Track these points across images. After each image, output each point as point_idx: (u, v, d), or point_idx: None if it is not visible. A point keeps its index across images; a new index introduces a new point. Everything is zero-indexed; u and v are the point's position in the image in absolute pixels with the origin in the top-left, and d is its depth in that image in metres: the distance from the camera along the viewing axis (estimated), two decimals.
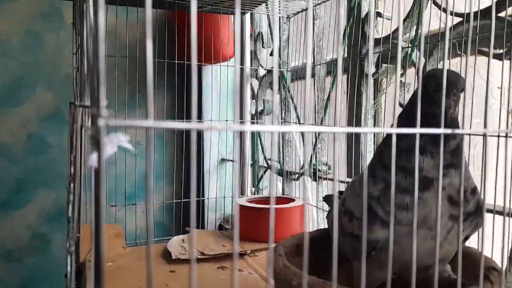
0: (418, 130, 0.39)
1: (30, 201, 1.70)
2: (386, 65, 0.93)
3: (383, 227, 0.54)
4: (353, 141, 1.03)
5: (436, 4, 0.78)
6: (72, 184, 0.61)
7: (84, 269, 0.91)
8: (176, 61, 1.19)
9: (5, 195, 1.65)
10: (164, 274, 0.91)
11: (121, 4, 1.19)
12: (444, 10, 0.77)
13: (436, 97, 0.51)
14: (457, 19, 0.77)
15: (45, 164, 1.72)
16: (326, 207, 1.05)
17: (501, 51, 0.68)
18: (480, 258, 0.45)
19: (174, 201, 1.31)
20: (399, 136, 0.40)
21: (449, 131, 0.42)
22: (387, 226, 0.52)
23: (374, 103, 0.97)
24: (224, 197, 1.33)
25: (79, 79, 0.88)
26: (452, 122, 0.53)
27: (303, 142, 1.27)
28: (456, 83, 0.52)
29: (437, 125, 0.43)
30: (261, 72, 1.51)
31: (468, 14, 0.73)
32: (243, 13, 1.33)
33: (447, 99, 0.51)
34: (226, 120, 1.32)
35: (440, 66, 0.81)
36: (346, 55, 1.05)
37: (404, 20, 0.87)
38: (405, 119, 0.56)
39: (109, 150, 0.27)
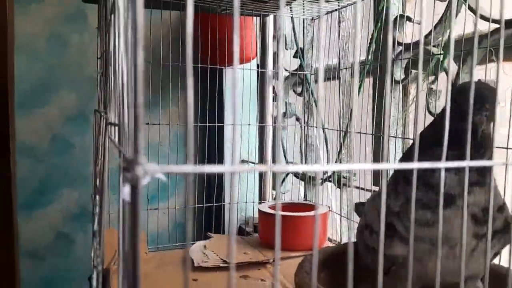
0: (443, 164, 0.36)
1: (53, 201, 1.72)
2: (416, 71, 0.90)
3: (403, 243, 0.52)
4: (381, 147, 1.01)
5: (471, 9, 0.75)
6: (97, 197, 0.61)
7: (108, 275, 0.91)
8: (200, 65, 1.18)
9: (29, 195, 1.67)
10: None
11: (146, 7, 1.19)
12: (482, 16, 0.73)
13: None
14: (494, 25, 0.73)
15: (68, 164, 1.74)
16: (350, 215, 1.02)
17: None
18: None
19: (196, 205, 1.31)
20: (422, 149, 0.38)
21: (473, 163, 0.39)
22: (407, 242, 0.51)
23: (403, 111, 0.95)
24: (246, 202, 1.32)
25: (103, 85, 0.88)
26: (484, 139, 0.51)
27: (327, 147, 1.24)
28: (489, 97, 0.50)
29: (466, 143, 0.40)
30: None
31: (505, 21, 0.69)
32: (266, 15, 1.31)
33: (479, 114, 0.49)
34: (248, 124, 1.30)
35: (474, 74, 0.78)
36: (373, 59, 1.02)
37: (436, 25, 0.84)
38: (432, 136, 0.53)
39: (143, 177, 0.26)
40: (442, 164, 0.36)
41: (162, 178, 0.28)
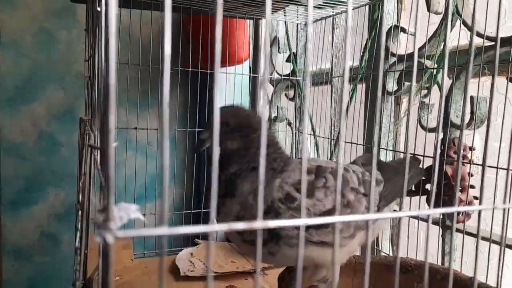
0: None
1: (39, 200, 1.69)
2: (409, 83, 0.89)
3: None
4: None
5: (466, 25, 0.73)
6: (80, 212, 0.59)
7: (91, 285, 0.89)
8: (190, 69, 1.16)
9: (14, 194, 1.64)
10: None
11: (134, 8, 1.16)
12: (475, 32, 0.72)
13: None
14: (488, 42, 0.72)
15: (55, 163, 1.70)
16: None
17: None
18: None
19: (184, 212, 1.29)
20: None
21: (462, 208, 0.39)
22: None
23: (395, 123, 0.94)
24: None
25: (90, 90, 0.86)
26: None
27: (317, 153, 1.23)
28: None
29: None
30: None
31: (500, 39, 0.68)
32: (259, 19, 1.29)
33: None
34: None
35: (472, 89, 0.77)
36: (366, 67, 1.01)
37: (431, 38, 0.83)
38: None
39: (118, 223, 0.24)
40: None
41: (140, 218, 0.26)
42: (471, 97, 0.73)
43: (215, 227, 0.20)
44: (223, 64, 1.34)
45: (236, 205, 0.55)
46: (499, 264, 0.49)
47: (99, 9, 0.41)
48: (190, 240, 1.26)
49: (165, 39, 0.18)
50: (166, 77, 0.18)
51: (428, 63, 0.83)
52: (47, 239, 1.71)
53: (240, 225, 0.20)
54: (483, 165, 0.34)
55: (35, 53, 1.65)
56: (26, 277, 1.68)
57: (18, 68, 1.62)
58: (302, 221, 0.22)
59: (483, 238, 0.72)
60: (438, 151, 0.40)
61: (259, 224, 0.21)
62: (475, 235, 0.72)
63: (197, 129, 1.22)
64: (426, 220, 0.82)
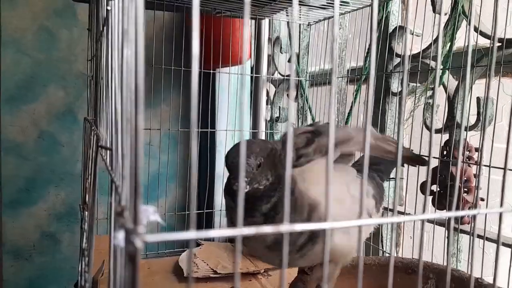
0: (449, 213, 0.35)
1: (39, 200, 1.68)
2: (414, 84, 0.89)
3: None
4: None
5: (476, 29, 0.73)
6: (86, 213, 0.58)
7: (96, 285, 0.89)
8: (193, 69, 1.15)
9: (14, 194, 1.63)
10: None
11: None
12: (481, 33, 0.72)
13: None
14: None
15: (55, 162, 1.70)
16: None
17: None
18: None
19: (186, 212, 1.28)
20: None
21: (461, 213, 0.38)
22: None
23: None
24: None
25: (93, 89, 0.85)
26: None
27: None
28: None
29: None
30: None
31: (507, 40, 0.68)
32: (261, 19, 1.29)
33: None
34: (241, 130, 1.28)
35: (477, 90, 0.77)
36: (370, 68, 1.01)
37: (436, 39, 0.83)
38: None
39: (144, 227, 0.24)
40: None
41: (158, 220, 0.26)
42: (478, 98, 0.73)
43: (243, 231, 0.19)
44: (225, 63, 1.34)
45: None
46: (510, 264, 0.49)
47: (108, 8, 0.41)
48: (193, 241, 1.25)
49: (193, 40, 0.18)
50: (194, 77, 0.18)
51: (433, 64, 0.83)
52: (47, 239, 1.71)
53: (268, 229, 0.20)
54: (478, 163, 0.34)
55: (36, 52, 1.64)
56: (26, 277, 1.68)
57: (18, 67, 1.61)
58: (328, 225, 0.21)
59: (489, 240, 0.72)
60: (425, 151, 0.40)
61: (285, 227, 0.20)
62: (481, 237, 0.72)
63: (199, 130, 1.22)
64: (432, 222, 0.82)
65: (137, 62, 0.17)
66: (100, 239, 1.01)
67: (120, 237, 0.25)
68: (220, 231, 0.20)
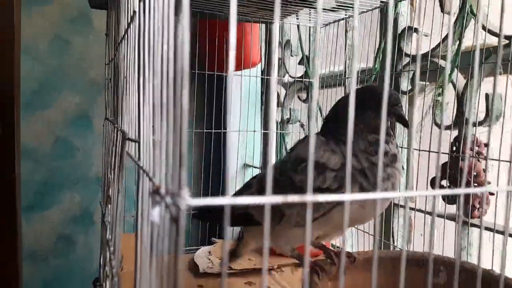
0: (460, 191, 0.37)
1: (55, 203, 1.72)
2: (423, 82, 0.91)
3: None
4: None
5: (484, 28, 0.75)
6: (109, 206, 0.61)
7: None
8: (206, 72, 1.19)
9: (31, 197, 1.67)
10: None
11: None
12: (489, 31, 0.74)
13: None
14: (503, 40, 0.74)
15: (70, 166, 1.74)
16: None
17: None
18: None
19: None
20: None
21: (471, 190, 0.40)
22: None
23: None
24: None
25: (112, 91, 0.89)
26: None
27: None
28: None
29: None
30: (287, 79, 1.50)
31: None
32: (272, 23, 1.32)
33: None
34: (254, 131, 1.31)
35: (485, 87, 0.79)
36: (379, 68, 1.03)
37: (445, 38, 0.85)
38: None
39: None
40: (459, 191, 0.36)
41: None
42: (486, 94, 0.75)
43: (271, 199, 0.22)
44: (237, 68, 1.37)
45: None
46: None
47: (136, 9, 0.44)
48: (207, 240, 1.28)
49: (230, 43, 0.21)
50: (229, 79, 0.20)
51: (442, 62, 0.85)
52: (62, 242, 1.74)
53: (295, 198, 0.22)
54: (485, 157, 0.36)
55: (51, 59, 1.69)
56: (42, 279, 1.71)
57: (35, 74, 1.66)
58: (347, 197, 0.24)
59: (498, 232, 0.74)
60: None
61: (309, 197, 0.23)
62: (491, 230, 0.73)
63: (213, 130, 1.25)
64: (442, 216, 0.84)
65: (183, 48, 0.19)
66: (121, 236, 1.03)
67: (155, 213, 0.27)
68: (249, 199, 0.22)
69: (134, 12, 0.46)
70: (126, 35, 0.58)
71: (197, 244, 1.19)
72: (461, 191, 0.38)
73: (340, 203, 0.62)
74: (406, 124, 0.65)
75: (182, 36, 0.20)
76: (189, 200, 0.20)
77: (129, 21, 0.51)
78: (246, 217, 0.69)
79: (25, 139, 1.66)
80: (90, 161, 1.75)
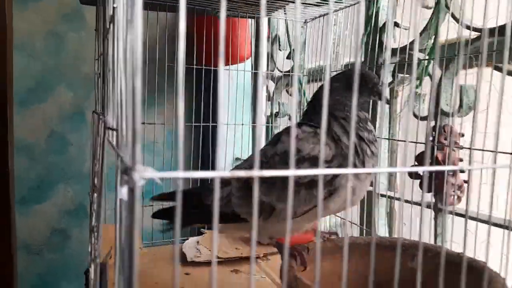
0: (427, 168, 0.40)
1: (49, 198, 1.75)
2: (402, 75, 0.94)
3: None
4: None
5: (454, 17, 0.78)
6: (95, 195, 0.64)
7: (104, 268, 0.95)
8: (195, 67, 1.21)
9: (26, 191, 1.70)
10: (179, 277, 0.94)
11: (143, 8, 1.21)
12: (463, 25, 0.77)
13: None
14: (475, 33, 0.77)
15: (64, 161, 1.76)
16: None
17: None
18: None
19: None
20: None
21: (451, 167, 0.43)
22: None
23: (390, 114, 0.98)
24: None
25: (101, 86, 0.91)
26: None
27: None
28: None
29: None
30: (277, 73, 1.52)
31: (487, 29, 0.73)
32: (260, 18, 1.34)
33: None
34: (242, 124, 1.34)
35: (460, 78, 0.82)
36: (362, 61, 1.06)
37: (422, 31, 0.88)
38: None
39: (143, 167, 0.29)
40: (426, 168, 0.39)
41: (158, 182, 0.31)
42: (461, 86, 0.78)
43: (222, 174, 0.25)
44: (226, 62, 1.40)
45: None
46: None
47: (115, 5, 0.46)
48: (196, 231, 1.31)
49: (220, 38, 0.23)
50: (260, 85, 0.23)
51: (420, 55, 0.87)
52: (57, 235, 1.77)
53: (241, 173, 0.25)
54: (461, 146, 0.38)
55: (45, 56, 1.71)
56: (37, 272, 1.74)
57: (29, 70, 1.69)
58: (291, 172, 0.27)
59: (472, 218, 0.77)
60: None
61: (256, 173, 0.25)
62: (463, 216, 0.76)
63: (201, 124, 1.27)
64: (419, 204, 0.87)
65: (137, 43, 0.22)
66: (108, 229, 1.06)
67: (123, 191, 0.30)
68: (202, 173, 0.25)
69: (114, 8, 0.49)
70: (109, 30, 0.60)
71: (188, 235, 1.22)
72: (425, 168, 0.41)
73: (334, 193, 0.65)
74: (386, 101, 0.69)
75: (136, 29, 0.22)
76: (143, 173, 0.23)
77: (110, 17, 0.54)
78: (233, 216, 0.71)
79: (20, 134, 1.68)
80: (83, 156, 1.78)
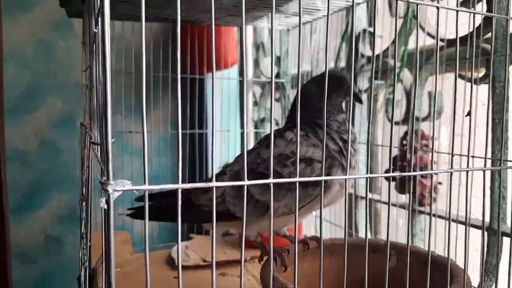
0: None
1: (42, 205, 1.77)
2: (377, 81, 0.98)
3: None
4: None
5: (421, 27, 0.83)
6: (84, 203, 0.67)
7: (95, 274, 0.98)
8: (179, 75, 1.24)
9: (19, 199, 1.72)
10: (168, 280, 0.97)
11: (127, 20, 1.25)
12: (429, 34, 0.81)
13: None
14: (441, 43, 0.81)
15: (56, 168, 1.79)
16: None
17: (480, 75, 0.73)
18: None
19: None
20: None
21: (405, 174, 0.47)
22: None
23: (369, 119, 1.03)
24: None
25: (88, 97, 0.95)
26: None
27: None
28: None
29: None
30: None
31: (449, 40, 0.78)
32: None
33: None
34: (228, 131, 1.38)
35: (429, 85, 0.86)
36: (339, 69, 1.10)
37: (394, 40, 0.92)
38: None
39: (115, 182, 0.33)
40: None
41: (135, 191, 0.35)
42: (429, 93, 0.82)
43: (183, 186, 0.29)
44: (210, 70, 1.43)
45: None
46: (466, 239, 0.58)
47: (95, 30, 0.50)
48: (185, 235, 1.34)
49: (212, 48, 0.27)
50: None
51: (392, 63, 0.92)
52: (51, 242, 1.80)
53: (200, 185, 0.29)
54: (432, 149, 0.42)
55: (35, 64, 1.74)
56: (32, 280, 1.76)
57: (19, 79, 1.71)
58: (245, 182, 0.31)
59: (440, 217, 0.81)
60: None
61: (179, 185, 0.29)
62: (441, 217, 0.81)
63: (188, 131, 1.31)
64: (394, 205, 0.91)
65: (105, 67, 0.26)
66: (98, 236, 1.09)
67: (103, 200, 0.34)
68: (166, 186, 0.29)
69: (95, 32, 0.52)
70: (93, 49, 0.64)
71: (175, 241, 1.25)
72: (396, 174, 0.45)
73: (327, 190, 0.70)
74: (360, 100, 0.74)
75: (103, 44, 0.26)
76: (115, 187, 0.27)
77: (93, 38, 0.58)
78: (227, 214, 0.74)
79: (12, 142, 1.71)
80: (75, 163, 1.80)
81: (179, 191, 0.29)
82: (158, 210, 0.75)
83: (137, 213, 0.78)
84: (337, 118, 0.72)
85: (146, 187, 0.27)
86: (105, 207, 0.33)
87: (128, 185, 0.31)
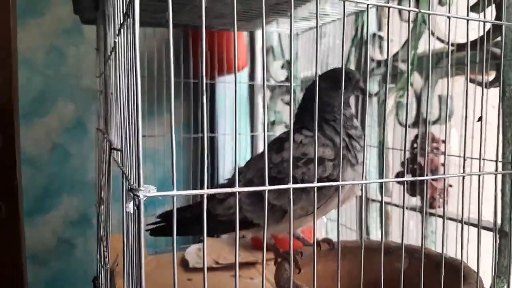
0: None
1: (54, 208, 1.80)
2: (389, 85, 0.99)
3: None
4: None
5: (431, 32, 0.83)
6: (102, 206, 0.69)
7: (112, 275, 0.99)
8: (192, 81, 1.27)
9: (31, 202, 1.75)
10: (182, 282, 0.99)
11: (141, 26, 1.26)
12: (438, 38, 0.82)
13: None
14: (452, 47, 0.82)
15: (67, 171, 1.81)
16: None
17: (490, 79, 0.74)
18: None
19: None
20: None
21: (413, 178, 0.48)
22: None
23: (379, 121, 1.03)
24: None
25: (103, 103, 0.96)
26: None
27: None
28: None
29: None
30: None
31: (458, 44, 0.78)
32: (252, 31, 1.40)
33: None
34: (239, 134, 1.39)
35: (438, 88, 0.87)
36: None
37: (404, 44, 0.93)
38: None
39: (145, 187, 0.34)
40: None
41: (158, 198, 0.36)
42: (439, 96, 0.83)
43: (207, 191, 0.30)
44: (222, 72, 1.45)
45: None
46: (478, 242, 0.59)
47: (116, 40, 0.52)
48: (197, 238, 1.36)
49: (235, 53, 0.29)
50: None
51: (403, 66, 0.93)
52: (62, 245, 1.82)
53: (225, 190, 0.30)
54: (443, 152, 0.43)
55: (47, 69, 1.77)
56: (44, 281, 1.79)
57: (31, 84, 1.74)
58: (237, 189, 0.32)
59: (452, 219, 0.81)
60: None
61: (205, 190, 0.31)
62: (451, 219, 0.81)
63: (199, 135, 1.33)
64: (412, 209, 0.92)
65: (137, 87, 0.27)
66: (114, 238, 1.11)
67: (130, 205, 0.35)
68: (191, 191, 0.30)
69: (115, 42, 0.54)
70: (110, 58, 0.66)
71: (189, 242, 1.27)
72: (407, 179, 0.46)
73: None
74: (364, 92, 0.75)
75: (134, 57, 0.28)
76: (146, 193, 0.28)
77: (112, 47, 0.59)
78: (244, 222, 0.74)
79: (24, 147, 1.73)
80: (85, 166, 1.82)
81: (205, 196, 0.30)
82: (181, 222, 0.76)
83: (158, 230, 0.78)
84: (345, 113, 0.73)
85: (174, 192, 0.29)
86: (131, 211, 0.35)
87: (153, 190, 0.32)
